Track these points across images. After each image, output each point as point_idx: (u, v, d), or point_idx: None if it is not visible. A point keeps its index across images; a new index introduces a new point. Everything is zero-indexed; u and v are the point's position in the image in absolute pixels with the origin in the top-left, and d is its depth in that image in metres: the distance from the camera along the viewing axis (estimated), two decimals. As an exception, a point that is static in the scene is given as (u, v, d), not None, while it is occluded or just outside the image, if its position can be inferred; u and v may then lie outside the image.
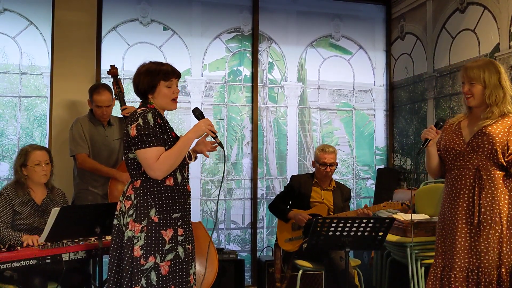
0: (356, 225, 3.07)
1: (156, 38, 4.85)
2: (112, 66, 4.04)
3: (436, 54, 4.75)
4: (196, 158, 2.77)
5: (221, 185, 3.28)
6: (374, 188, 5.25)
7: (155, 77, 2.56)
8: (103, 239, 2.94)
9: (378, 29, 5.52)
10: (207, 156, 2.78)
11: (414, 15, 5.12)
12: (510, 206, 2.59)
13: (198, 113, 2.67)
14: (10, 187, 3.27)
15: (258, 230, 5.04)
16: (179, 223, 2.55)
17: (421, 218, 3.83)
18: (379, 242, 3.21)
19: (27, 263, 2.72)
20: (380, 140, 5.39)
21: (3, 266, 2.64)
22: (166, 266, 2.48)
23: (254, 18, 5.09)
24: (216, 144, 2.68)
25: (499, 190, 2.59)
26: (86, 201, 3.76)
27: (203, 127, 2.57)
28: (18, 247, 2.83)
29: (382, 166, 5.34)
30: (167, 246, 2.49)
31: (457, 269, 2.63)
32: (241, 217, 5.03)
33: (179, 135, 2.66)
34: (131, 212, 2.49)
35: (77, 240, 3.01)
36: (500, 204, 2.58)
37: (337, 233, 3.09)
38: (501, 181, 2.60)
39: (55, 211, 2.75)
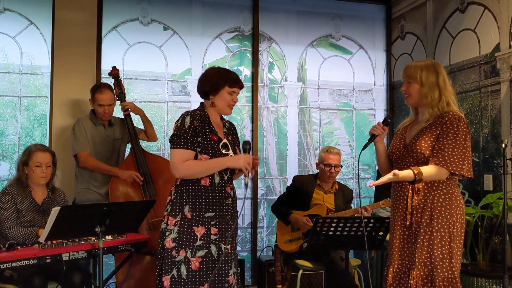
0: (356, 225, 3.08)
1: (157, 38, 4.85)
2: (114, 68, 4.05)
3: (437, 54, 4.75)
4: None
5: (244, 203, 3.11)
6: (374, 188, 5.25)
7: (222, 80, 2.70)
8: (103, 239, 2.94)
9: (378, 29, 5.52)
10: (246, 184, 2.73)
11: (414, 15, 5.12)
12: (443, 208, 2.56)
13: (247, 147, 2.69)
14: (12, 186, 3.29)
15: (258, 230, 5.04)
16: (212, 222, 2.63)
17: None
18: (379, 242, 3.21)
19: (27, 262, 2.72)
20: (380, 140, 5.37)
21: (3, 266, 2.64)
22: (197, 262, 2.57)
23: (254, 18, 5.09)
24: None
25: (433, 193, 2.57)
26: (87, 201, 3.76)
27: (241, 163, 2.63)
28: (18, 247, 2.83)
29: (382, 166, 5.33)
30: (198, 243, 2.59)
31: (391, 269, 2.66)
32: (241, 217, 5.02)
33: (223, 139, 2.72)
34: (168, 207, 2.67)
35: (77, 240, 3.01)
36: (433, 206, 2.56)
37: (337, 233, 3.09)
38: (435, 183, 2.58)
39: (55, 210, 2.74)
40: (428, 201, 2.57)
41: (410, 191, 2.61)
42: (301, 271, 3.84)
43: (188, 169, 2.58)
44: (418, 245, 2.55)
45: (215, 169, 2.63)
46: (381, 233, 3.15)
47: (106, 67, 4.51)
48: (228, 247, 2.68)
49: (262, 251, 4.95)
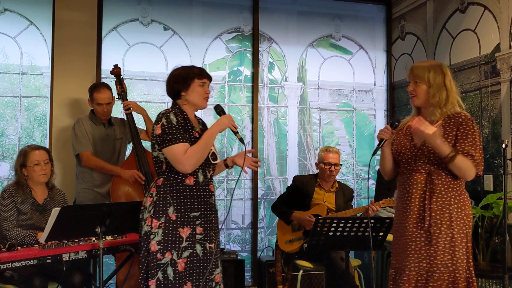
0: (356, 225, 3.07)
1: (157, 38, 4.85)
2: (115, 66, 4.05)
3: (437, 54, 4.75)
4: (232, 167, 2.88)
5: (237, 181, 3.13)
6: (374, 188, 5.25)
7: (190, 74, 2.69)
8: (103, 239, 2.93)
9: (378, 29, 5.52)
10: (245, 172, 2.80)
11: (414, 15, 5.12)
12: (459, 209, 2.57)
13: (219, 110, 2.76)
14: (12, 187, 3.29)
15: (258, 230, 5.04)
16: (197, 222, 2.62)
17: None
18: (379, 242, 3.21)
19: (28, 263, 2.72)
20: (381, 140, 5.37)
21: (3, 266, 2.63)
22: (183, 263, 2.55)
23: (255, 18, 5.09)
24: (257, 163, 2.80)
25: (450, 194, 2.58)
26: (88, 201, 3.76)
27: (226, 122, 2.66)
28: (19, 247, 2.83)
29: (383, 166, 5.33)
30: (184, 244, 2.56)
31: (407, 272, 2.61)
32: (241, 217, 5.03)
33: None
34: (150, 208, 2.60)
35: (77, 240, 3.01)
36: (451, 207, 2.56)
37: (338, 233, 3.09)
38: (451, 185, 2.59)
39: (55, 211, 2.74)
40: (446, 202, 2.57)
41: (428, 193, 2.59)
42: (301, 272, 3.83)
43: (192, 157, 2.55)
44: (439, 247, 2.54)
45: (211, 142, 2.62)
46: (381, 234, 3.15)
47: (106, 67, 4.51)
48: (212, 245, 2.66)
49: (262, 251, 4.95)
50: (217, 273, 2.69)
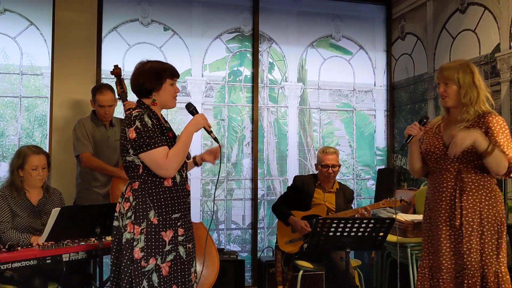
0: (356, 225, 3.07)
1: (157, 39, 4.85)
2: (116, 66, 4.04)
3: (437, 54, 4.75)
4: (201, 164, 2.85)
5: (217, 180, 3.18)
6: (374, 189, 5.25)
7: (162, 74, 2.58)
8: (103, 240, 2.94)
9: (378, 30, 5.52)
10: (213, 163, 2.81)
11: (414, 15, 5.12)
12: (490, 207, 2.60)
13: (192, 108, 2.70)
14: (5, 189, 3.24)
15: (258, 231, 5.04)
16: (179, 223, 2.54)
17: (421, 219, 3.82)
18: (379, 243, 3.21)
19: (28, 263, 2.72)
20: (381, 140, 5.38)
21: (3, 267, 2.64)
22: (167, 266, 2.47)
23: (255, 18, 5.09)
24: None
25: (480, 192, 2.61)
26: (88, 201, 3.76)
27: (201, 121, 2.59)
28: (19, 248, 2.83)
29: (383, 167, 5.34)
30: (168, 247, 2.48)
31: (444, 270, 2.65)
32: (241, 218, 5.03)
33: (175, 134, 2.68)
34: (129, 214, 2.48)
35: (77, 241, 3.01)
36: (481, 205, 2.60)
37: (338, 234, 3.09)
38: (481, 183, 2.62)
39: (55, 211, 2.74)
40: (477, 200, 2.60)
41: (458, 191, 2.62)
42: (301, 272, 3.83)
43: (173, 160, 2.46)
44: (472, 245, 2.57)
45: (189, 142, 2.55)
46: (381, 234, 3.15)
47: (106, 67, 4.51)
48: (190, 245, 2.61)
49: (262, 251, 4.95)
50: (192, 272, 2.61)
